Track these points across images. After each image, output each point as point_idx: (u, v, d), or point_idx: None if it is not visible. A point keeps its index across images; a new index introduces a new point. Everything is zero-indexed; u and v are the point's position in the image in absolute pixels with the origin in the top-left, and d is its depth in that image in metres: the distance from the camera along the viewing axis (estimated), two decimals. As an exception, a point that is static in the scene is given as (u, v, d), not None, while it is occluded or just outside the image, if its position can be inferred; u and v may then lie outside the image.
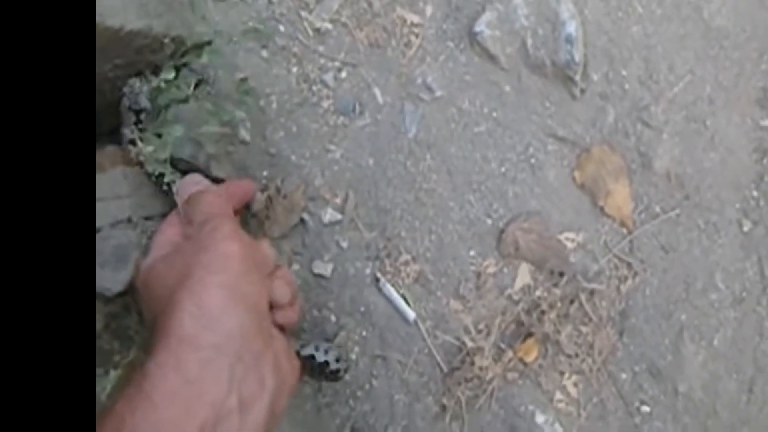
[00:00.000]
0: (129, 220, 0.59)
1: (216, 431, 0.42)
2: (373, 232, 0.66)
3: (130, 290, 0.56)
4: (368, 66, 0.68)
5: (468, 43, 0.69)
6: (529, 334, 0.67)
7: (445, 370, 0.66)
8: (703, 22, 0.74)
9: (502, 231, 0.68)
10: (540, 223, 0.68)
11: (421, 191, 0.67)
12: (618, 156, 0.71)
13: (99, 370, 0.57)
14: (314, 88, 0.67)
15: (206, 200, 0.53)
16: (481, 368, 0.65)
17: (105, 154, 0.65)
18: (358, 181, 0.66)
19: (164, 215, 0.61)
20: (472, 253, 0.68)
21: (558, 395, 0.68)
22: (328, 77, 0.67)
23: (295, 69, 0.66)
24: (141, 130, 0.60)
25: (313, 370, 0.58)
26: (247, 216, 0.64)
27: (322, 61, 0.67)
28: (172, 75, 0.61)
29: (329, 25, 0.67)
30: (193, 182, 0.58)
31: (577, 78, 0.68)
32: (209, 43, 0.64)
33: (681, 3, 0.73)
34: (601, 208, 0.70)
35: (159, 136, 0.61)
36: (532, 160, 0.69)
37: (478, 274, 0.67)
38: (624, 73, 0.71)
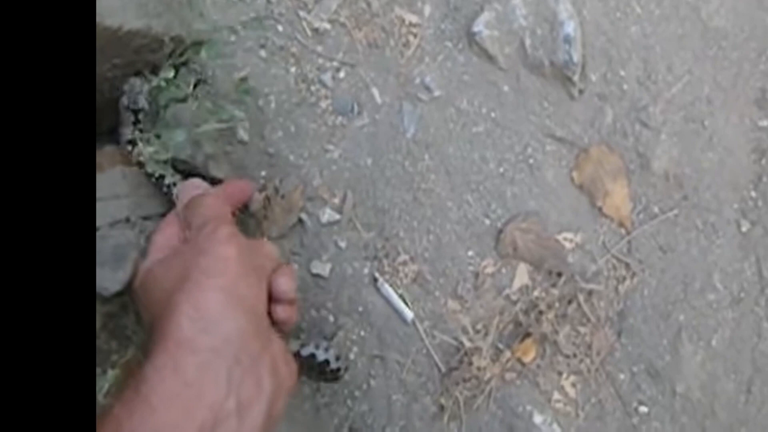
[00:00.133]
0: (127, 220, 0.59)
1: None
2: (372, 232, 0.66)
3: (128, 290, 0.56)
4: (367, 66, 0.68)
5: (466, 43, 0.69)
6: (527, 335, 0.67)
7: (443, 370, 0.66)
8: (701, 23, 0.74)
9: (500, 231, 0.68)
10: (538, 223, 0.68)
11: (420, 191, 0.67)
12: (616, 156, 0.71)
13: (97, 370, 0.57)
14: (312, 88, 0.67)
15: (205, 203, 0.53)
16: (479, 368, 0.65)
17: (103, 154, 0.65)
18: (357, 181, 0.67)
19: (162, 215, 0.61)
20: (470, 253, 0.68)
21: (556, 395, 0.68)
22: (327, 77, 0.67)
23: (293, 69, 0.66)
24: (140, 131, 0.60)
25: (313, 369, 0.58)
26: (245, 216, 0.64)
27: (321, 61, 0.67)
28: (171, 74, 0.61)
29: (328, 25, 0.67)
30: (194, 186, 0.58)
31: (576, 78, 0.68)
32: (207, 42, 0.64)
33: (679, 3, 0.73)
34: (600, 209, 0.70)
35: (158, 136, 0.61)
36: (531, 161, 0.69)
37: (476, 275, 0.67)
38: (622, 73, 0.71)
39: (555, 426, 0.67)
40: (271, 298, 0.52)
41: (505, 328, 0.67)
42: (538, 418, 0.66)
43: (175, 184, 0.58)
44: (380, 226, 0.66)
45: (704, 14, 0.74)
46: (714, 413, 0.71)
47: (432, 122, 0.68)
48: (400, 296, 0.65)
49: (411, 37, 0.69)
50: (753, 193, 0.74)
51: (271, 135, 0.65)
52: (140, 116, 0.61)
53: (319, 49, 0.67)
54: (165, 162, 0.60)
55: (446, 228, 0.67)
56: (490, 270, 0.68)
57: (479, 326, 0.67)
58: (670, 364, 0.70)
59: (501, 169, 0.69)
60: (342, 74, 0.67)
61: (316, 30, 0.67)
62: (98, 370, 0.57)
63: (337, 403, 0.65)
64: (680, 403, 0.70)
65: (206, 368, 0.43)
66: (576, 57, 0.67)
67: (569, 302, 0.68)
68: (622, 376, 0.69)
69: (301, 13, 0.67)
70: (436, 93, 0.68)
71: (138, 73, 0.62)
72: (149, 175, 0.59)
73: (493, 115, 0.69)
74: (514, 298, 0.68)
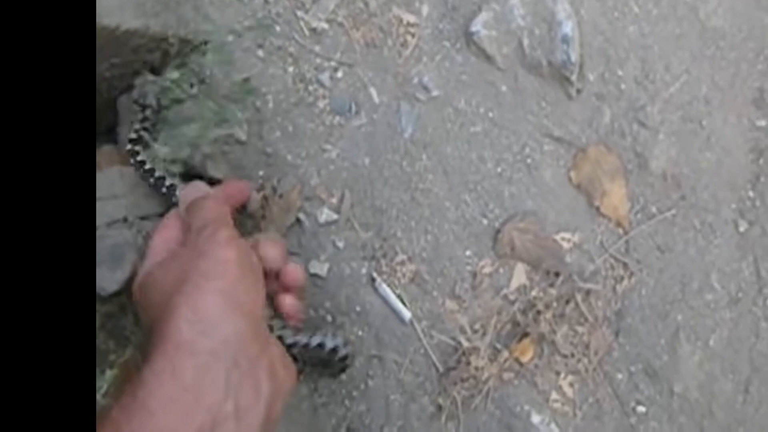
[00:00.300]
0: (125, 220, 0.60)
1: None
2: (369, 232, 0.66)
3: (126, 290, 0.56)
4: (364, 66, 0.68)
5: (464, 43, 0.69)
6: (525, 334, 0.67)
7: (441, 370, 0.66)
8: (699, 22, 0.74)
9: (498, 231, 0.68)
10: (536, 223, 0.69)
11: (417, 191, 0.67)
12: (614, 156, 0.71)
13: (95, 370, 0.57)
14: (310, 87, 0.67)
15: (206, 206, 0.54)
16: (476, 368, 0.65)
17: (101, 154, 0.65)
18: (354, 181, 0.67)
19: (160, 215, 0.61)
20: (468, 253, 0.68)
21: (554, 395, 0.68)
22: (324, 77, 0.67)
23: (291, 69, 0.66)
24: (146, 129, 0.60)
25: (322, 361, 0.59)
26: (243, 216, 0.64)
27: (319, 60, 0.67)
28: (176, 75, 0.61)
29: (325, 25, 0.67)
30: (195, 188, 0.58)
31: (574, 78, 0.68)
32: (206, 42, 0.64)
33: (677, 3, 0.73)
34: (597, 209, 0.70)
35: (155, 138, 0.61)
36: (528, 160, 0.69)
37: (474, 274, 0.67)
38: (620, 73, 0.71)
39: (553, 426, 0.67)
40: (280, 290, 0.54)
41: (502, 327, 0.67)
42: (535, 418, 0.66)
43: (175, 186, 0.58)
44: (378, 226, 0.66)
45: (702, 14, 0.74)
46: (712, 413, 0.71)
47: (430, 122, 0.68)
48: (398, 296, 0.66)
49: (409, 37, 0.69)
50: (751, 193, 0.74)
51: (269, 135, 0.65)
52: (148, 113, 0.61)
53: (317, 48, 0.67)
54: (172, 162, 0.60)
55: (444, 228, 0.67)
56: (487, 270, 0.68)
57: (477, 326, 0.67)
58: (668, 364, 0.70)
59: (499, 169, 0.69)
60: (340, 74, 0.67)
61: (313, 30, 0.67)
62: (96, 370, 0.57)
63: (334, 403, 0.65)
64: (678, 402, 0.70)
65: (204, 371, 0.43)
66: (574, 57, 0.67)
67: (567, 302, 0.68)
68: (619, 376, 0.69)
69: (299, 13, 0.67)
70: (434, 93, 0.68)
71: (150, 70, 0.62)
72: (148, 175, 0.59)
73: (491, 114, 0.69)
74: (511, 297, 0.68)
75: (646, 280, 0.71)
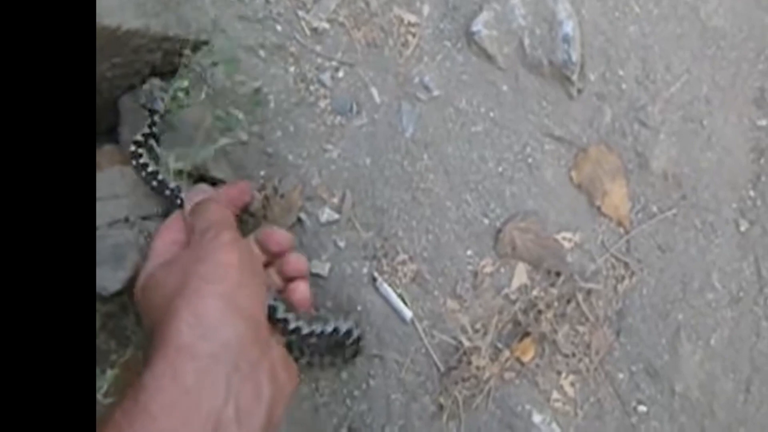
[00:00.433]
0: (126, 220, 0.60)
1: None
2: (370, 231, 0.66)
3: (128, 290, 0.56)
4: (365, 65, 0.68)
5: (465, 42, 0.69)
6: (526, 334, 0.67)
7: (442, 369, 0.66)
8: (700, 22, 0.74)
9: (499, 231, 0.68)
10: (537, 222, 0.69)
11: (418, 191, 0.67)
12: (615, 156, 0.71)
13: (96, 369, 0.57)
14: (311, 87, 0.67)
15: (210, 209, 0.54)
16: (478, 368, 0.65)
17: (102, 153, 0.65)
18: (356, 181, 0.67)
19: (162, 215, 0.61)
20: (469, 252, 0.68)
21: (555, 395, 0.68)
22: (326, 77, 0.67)
23: (292, 68, 0.66)
24: (153, 135, 0.61)
25: (337, 345, 0.60)
26: (244, 216, 0.64)
27: (320, 60, 0.67)
28: (186, 83, 0.61)
29: (326, 25, 0.67)
30: (200, 192, 0.58)
31: (574, 78, 0.68)
32: (206, 42, 0.64)
33: (678, 3, 0.73)
34: (598, 208, 0.70)
35: (159, 143, 0.61)
36: (529, 160, 0.69)
37: (475, 274, 0.67)
38: (621, 72, 0.71)
39: (554, 425, 0.67)
40: (286, 281, 0.55)
41: (504, 327, 0.67)
42: (537, 418, 0.66)
43: (178, 189, 0.59)
44: (379, 225, 0.66)
45: (703, 14, 0.74)
46: (713, 412, 0.71)
47: (431, 122, 0.68)
48: (399, 296, 0.66)
49: (410, 37, 0.69)
50: (752, 193, 0.74)
51: (270, 135, 0.65)
52: (156, 118, 0.61)
53: (318, 48, 0.67)
54: (176, 166, 0.60)
55: (445, 227, 0.67)
56: (488, 269, 0.68)
57: (478, 326, 0.67)
58: (669, 364, 0.70)
59: (500, 169, 0.69)
60: (341, 74, 0.67)
61: (314, 29, 0.67)
62: (97, 370, 0.57)
63: (335, 402, 0.65)
64: (679, 402, 0.70)
65: (205, 375, 0.43)
66: (575, 56, 0.67)
67: (568, 301, 0.68)
68: (620, 376, 0.69)
69: (300, 13, 0.67)
70: (435, 92, 0.68)
71: (153, 76, 0.62)
72: (151, 178, 0.59)
73: (491, 114, 0.69)
74: (512, 297, 0.68)
75: (647, 279, 0.71)
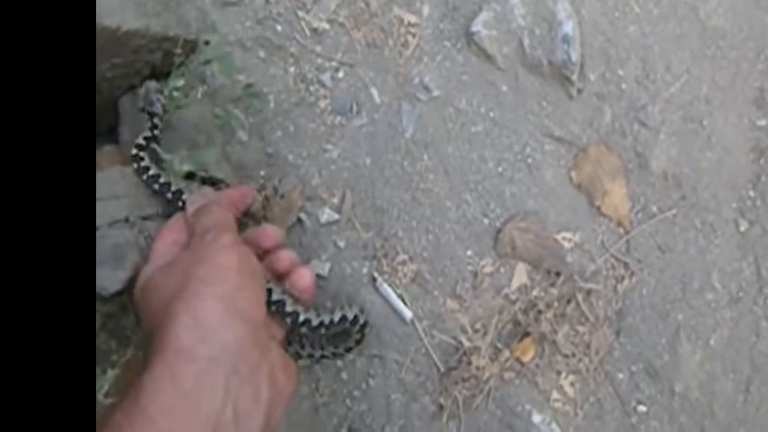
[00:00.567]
0: (126, 220, 0.60)
1: None
2: (370, 231, 0.66)
3: (128, 291, 0.56)
4: (365, 66, 0.68)
5: (465, 42, 0.69)
6: (526, 334, 0.67)
7: (442, 369, 0.66)
8: (699, 22, 0.74)
9: (499, 231, 0.68)
10: (537, 222, 0.69)
11: (418, 191, 0.67)
12: (615, 156, 0.71)
13: (96, 370, 0.57)
14: (311, 87, 0.67)
15: (212, 211, 0.54)
16: (478, 368, 0.65)
17: (102, 154, 0.65)
18: (356, 181, 0.67)
19: (162, 215, 0.61)
20: (469, 252, 0.68)
21: (555, 395, 0.68)
22: (326, 77, 0.67)
23: (292, 69, 0.66)
24: (155, 138, 0.61)
25: (344, 333, 0.60)
26: (245, 217, 0.64)
27: (320, 61, 0.67)
28: (181, 82, 0.61)
29: (326, 25, 0.67)
30: (203, 195, 0.58)
31: (574, 78, 0.68)
32: (207, 43, 0.64)
33: (678, 3, 0.73)
34: (598, 208, 0.70)
35: (160, 144, 0.61)
36: (529, 160, 0.69)
37: (475, 274, 0.67)
38: (621, 72, 0.71)
39: (554, 425, 0.67)
40: (278, 277, 0.56)
41: (503, 327, 0.67)
42: (537, 418, 0.66)
43: (180, 191, 0.59)
44: (379, 225, 0.66)
45: (702, 14, 0.74)
46: (712, 413, 0.71)
47: (431, 122, 0.68)
48: (399, 296, 0.66)
49: (410, 37, 0.69)
50: (751, 193, 0.74)
51: (270, 135, 0.65)
52: (156, 120, 0.61)
53: (318, 49, 0.67)
54: (182, 174, 0.60)
55: (445, 227, 0.67)
56: (488, 269, 0.68)
57: (478, 326, 0.67)
58: (669, 364, 0.70)
59: (500, 169, 0.69)
60: (341, 74, 0.67)
61: (314, 30, 0.67)
62: (98, 370, 0.57)
63: (335, 402, 0.65)
64: (679, 402, 0.70)
65: (204, 377, 0.43)
66: (574, 57, 0.67)
67: (568, 302, 0.68)
68: (620, 376, 0.69)
69: (300, 13, 0.67)
70: (435, 93, 0.68)
71: (152, 76, 0.62)
72: (152, 180, 0.59)
73: (491, 114, 0.69)
74: (512, 297, 0.68)
75: (647, 279, 0.71)
